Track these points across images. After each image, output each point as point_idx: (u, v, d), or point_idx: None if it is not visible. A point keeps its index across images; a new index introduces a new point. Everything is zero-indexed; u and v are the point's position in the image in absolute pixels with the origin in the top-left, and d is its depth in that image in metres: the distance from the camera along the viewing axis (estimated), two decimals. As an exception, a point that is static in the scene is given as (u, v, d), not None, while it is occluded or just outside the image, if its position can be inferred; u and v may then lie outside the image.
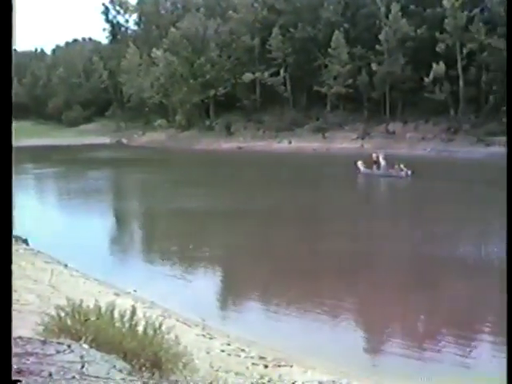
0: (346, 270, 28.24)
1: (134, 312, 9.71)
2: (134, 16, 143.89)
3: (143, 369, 8.23)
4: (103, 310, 9.65)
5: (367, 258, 30.20)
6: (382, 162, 62.34)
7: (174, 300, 22.62)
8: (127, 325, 9.41)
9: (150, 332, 9.32)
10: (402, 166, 59.04)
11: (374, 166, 62.65)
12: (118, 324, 9.35)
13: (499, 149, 79.77)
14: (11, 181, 5.94)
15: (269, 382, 14.25)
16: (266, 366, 15.93)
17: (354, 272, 27.69)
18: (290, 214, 42.16)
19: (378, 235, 34.88)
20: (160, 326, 9.57)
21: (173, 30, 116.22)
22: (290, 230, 37.55)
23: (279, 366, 16.10)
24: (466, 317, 22.00)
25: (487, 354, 18.78)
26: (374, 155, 64.11)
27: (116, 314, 9.62)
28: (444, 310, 22.64)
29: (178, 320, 19.14)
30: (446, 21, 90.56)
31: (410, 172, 58.19)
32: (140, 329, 9.41)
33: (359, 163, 62.53)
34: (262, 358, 16.71)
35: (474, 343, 19.71)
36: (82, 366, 6.29)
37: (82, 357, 6.66)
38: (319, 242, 33.24)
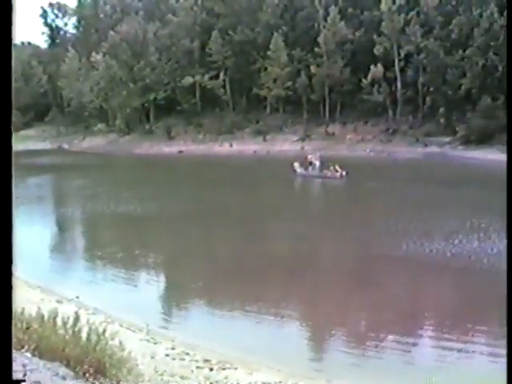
0: (286, 270, 28.45)
1: (77, 319, 9.67)
2: (73, 19, 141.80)
3: (87, 375, 8.19)
4: (46, 317, 9.58)
5: (303, 258, 30.53)
6: (317, 163, 63.15)
7: (118, 306, 22.52)
8: (70, 332, 9.39)
9: (94, 338, 9.30)
10: (336, 166, 59.90)
11: (310, 168, 63.38)
12: (61, 331, 9.31)
13: (437, 149, 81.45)
14: (11, 183, 5.89)
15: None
16: (210, 369, 16.01)
17: (294, 273, 27.89)
18: (229, 217, 42.15)
19: (304, 236, 35.25)
20: (104, 332, 9.55)
21: (112, 33, 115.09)
22: (229, 232, 37.74)
23: (224, 368, 16.19)
24: (405, 312, 22.35)
25: (428, 350, 19.12)
26: (310, 156, 65.09)
27: (59, 322, 9.57)
28: (384, 306, 22.96)
29: (121, 325, 19.10)
30: (384, 24, 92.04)
31: (344, 173, 58.99)
32: (83, 335, 9.36)
33: (295, 165, 63.32)
34: (206, 361, 16.76)
35: (414, 340, 20.03)
36: (24, 375, 6.25)
37: (24, 365, 6.63)
38: (258, 243, 33.41)
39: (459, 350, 18.70)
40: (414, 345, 19.79)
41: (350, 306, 23.28)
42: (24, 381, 5.72)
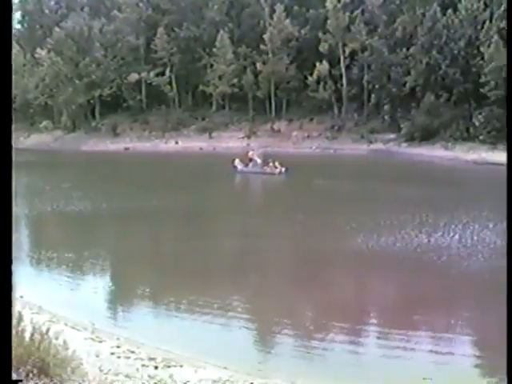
0: (231, 268, 28.61)
1: (20, 318, 9.67)
2: (17, 14, 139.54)
3: (30, 375, 8.19)
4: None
5: (245, 255, 30.77)
6: (258, 160, 63.59)
7: (63, 305, 22.40)
8: (14, 332, 9.35)
9: (37, 338, 9.29)
10: (276, 163, 60.66)
11: (250, 164, 63.72)
12: (4, 331, 9.27)
13: (381, 146, 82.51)
14: (11, 183, 5.91)
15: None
16: (155, 367, 16.06)
17: (239, 270, 28.09)
18: (171, 215, 41.92)
19: (237, 233, 35.63)
20: (47, 331, 9.55)
21: (57, 29, 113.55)
22: (171, 230, 37.89)
23: (169, 366, 16.25)
24: (355, 305, 22.68)
25: (375, 347, 19.42)
26: (251, 153, 65.61)
27: (2, 322, 9.54)
28: (333, 302, 23.25)
29: (66, 324, 19.04)
30: (329, 21, 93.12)
31: (283, 169, 59.61)
32: (27, 335, 9.35)
33: (236, 161, 63.85)
34: (151, 359, 16.80)
35: (362, 338, 20.30)
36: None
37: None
38: (202, 240, 33.41)
39: (409, 342, 19.06)
40: (365, 339, 20.09)
41: (298, 302, 23.44)
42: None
